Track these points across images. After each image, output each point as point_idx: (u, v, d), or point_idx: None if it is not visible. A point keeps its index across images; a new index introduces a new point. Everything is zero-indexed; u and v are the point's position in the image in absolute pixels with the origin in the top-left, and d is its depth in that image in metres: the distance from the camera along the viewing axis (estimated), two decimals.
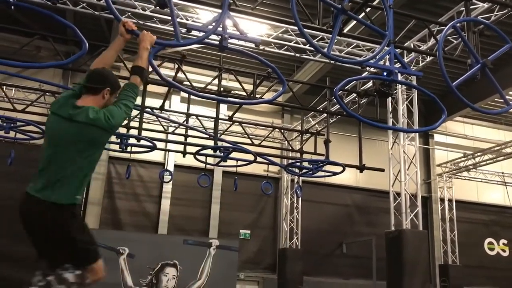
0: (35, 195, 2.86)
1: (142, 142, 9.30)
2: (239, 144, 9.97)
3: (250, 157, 9.57)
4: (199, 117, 11.64)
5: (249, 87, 9.65)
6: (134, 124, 9.82)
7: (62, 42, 11.59)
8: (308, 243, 13.95)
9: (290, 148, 12.30)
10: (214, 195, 13.87)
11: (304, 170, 10.66)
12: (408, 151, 9.82)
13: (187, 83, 9.83)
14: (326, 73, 11.68)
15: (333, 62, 9.89)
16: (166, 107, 10.57)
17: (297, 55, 9.96)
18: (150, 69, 4.13)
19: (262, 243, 14.27)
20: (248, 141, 11.58)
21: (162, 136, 11.64)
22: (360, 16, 6.38)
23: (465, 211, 16.11)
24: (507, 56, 5.43)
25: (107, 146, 8.46)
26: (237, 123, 11.68)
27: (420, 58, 9.89)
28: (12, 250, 10.60)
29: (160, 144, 10.98)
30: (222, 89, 9.37)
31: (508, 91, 11.80)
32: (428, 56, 9.56)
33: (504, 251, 16.68)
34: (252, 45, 9.28)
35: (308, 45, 9.04)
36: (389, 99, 9.85)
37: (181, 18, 8.99)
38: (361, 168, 9.67)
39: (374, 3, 6.98)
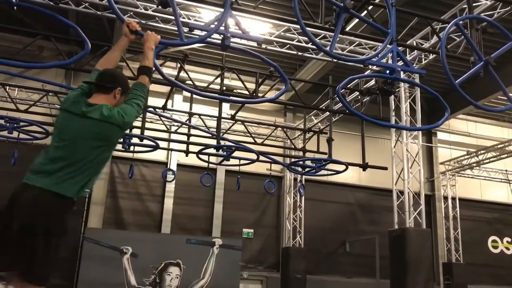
0: (35, 184, 2.76)
1: (145, 141, 9.33)
2: (241, 143, 9.97)
3: (253, 156, 9.57)
4: (202, 116, 11.67)
5: (252, 86, 9.66)
6: (137, 123, 9.82)
7: (64, 42, 11.63)
8: (311, 242, 13.94)
9: (293, 146, 12.28)
10: (217, 194, 13.87)
11: (307, 169, 10.67)
12: (411, 149, 9.79)
13: (190, 82, 9.85)
14: (328, 72, 11.64)
15: (335, 60, 9.87)
16: (169, 106, 10.56)
17: (300, 53, 9.93)
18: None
19: (265, 242, 14.26)
20: (250, 140, 11.58)
21: (164, 135, 11.67)
22: (363, 14, 6.37)
23: (469, 209, 16.06)
24: (510, 53, 5.39)
25: None
26: (240, 122, 11.67)
27: (423, 56, 9.86)
28: None
29: (162, 144, 11.01)
30: (224, 88, 9.37)
31: (511, 88, 11.76)
32: (431, 54, 9.53)
33: (508, 249, 16.64)
34: (254, 44, 9.21)
35: (311, 43, 9.06)
36: (392, 97, 9.82)
37: (183, 17, 8.99)
38: (364, 166, 9.68)
39: (376, 1, 6.95)
